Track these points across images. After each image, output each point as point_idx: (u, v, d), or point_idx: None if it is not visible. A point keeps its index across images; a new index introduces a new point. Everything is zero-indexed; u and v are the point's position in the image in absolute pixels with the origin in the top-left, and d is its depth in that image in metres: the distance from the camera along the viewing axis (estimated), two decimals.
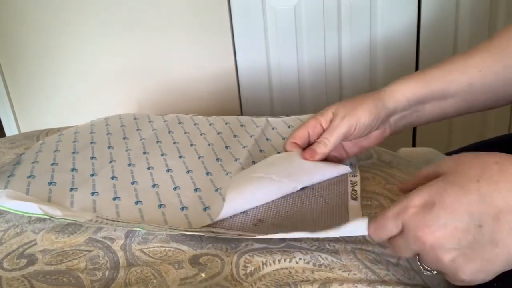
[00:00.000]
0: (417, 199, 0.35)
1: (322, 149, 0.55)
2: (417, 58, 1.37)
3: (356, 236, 0.48)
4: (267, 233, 0.44)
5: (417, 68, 1.38)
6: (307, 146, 0.58)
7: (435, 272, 0.37)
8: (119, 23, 1.35)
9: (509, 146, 0.68)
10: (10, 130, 1.48)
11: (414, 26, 1.34)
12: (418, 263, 0.38)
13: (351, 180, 0.54)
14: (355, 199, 0.51)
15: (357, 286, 0.41)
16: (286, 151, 0.58)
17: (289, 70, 1.39)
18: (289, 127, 0.72)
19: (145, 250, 0.47)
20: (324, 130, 0.57)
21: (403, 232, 0.36)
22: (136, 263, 0.45)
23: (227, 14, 1.34)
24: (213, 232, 0.46)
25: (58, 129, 0.81)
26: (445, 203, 0.34)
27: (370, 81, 1.38)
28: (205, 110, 1.41)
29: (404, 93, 0.55)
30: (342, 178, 0.55)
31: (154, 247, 0.47)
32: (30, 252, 0.47)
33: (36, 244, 0.49)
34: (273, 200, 0.51)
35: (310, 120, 0.57)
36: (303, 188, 0.53)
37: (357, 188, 0.53)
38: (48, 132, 0.80)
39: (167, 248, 0.47)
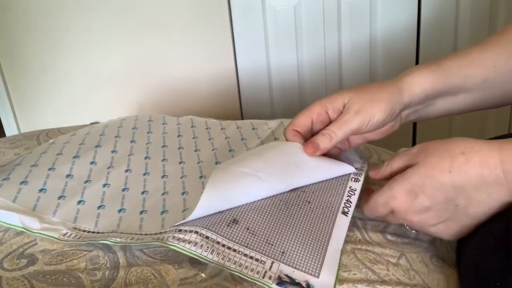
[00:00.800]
0: (401, 190, 0.42)
1: (326, 143, 0.50)
2: (417, 58, 1.37)
3: (356, 236, 0.48)
4: (238, 241, 0.43)
5: None
6: (310, 136, 0.53)
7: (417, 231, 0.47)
8: (119, 23, 1.35)
9: None
10: (10, 130, 1.48)
11: (414, 26, 1.34)
12: (406, 227, 0.46)
13: (350, 187, 0.50)
14: (346, 213, 0.47)
15: (357, 286, 0.41)
16: (286, 139, 0.53)
17: (289, 70, 1.39)
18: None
19: (145, 250, 0.47)
20: (330, 120, 0.52)
21: (394, 214, 0.44)
22: (136, 263, 0.45)
23: (227, 14, 1.34)
24: (164, 243, 0.43)
25: (59, 129, 0.81)
26: (427, 194, 0.41)
27: (370, 81, 1.38)
28: (205, 110, 1.41)
29: (423, 86, 0.51)
30: (340, 183, 0.51)
31: (154, 247, 0.47)
32: (30, 252, 0.47)
33: (36, 244, 0.49)
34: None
35: (315, 106, 0.52)
36: (293, 189, 0.50)
37: (353, 199, 0.49)
38: (48, 132, 0.80)
39: (167, 248, 0.47)
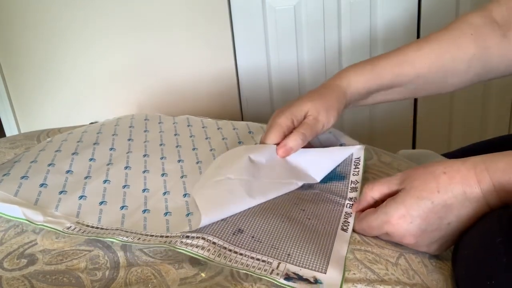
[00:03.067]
0: (396, 215, 0.43)
1: (298, 142, 0.56)
2: None
3: (355, 237, 0.48)
4: (244, 246, 0.44)
5: None
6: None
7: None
8: (119, 23, 1.35)
9: (509, 146, 0.69)
10: (10, 130, 1.48)
11: (414, 25, 1.34)
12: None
13: (345, 212, 0.51)
14: (345, 230, 0.48)
15: (356, 286, 0.41)
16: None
17: (289, 70, 1.39)
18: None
19: (145, 250, 0.47)
20: (294, 128, 0.57)
21: (389, 236, 0.45)
22: (136, 263, 0.45)
23: (227, 14, 1.34)
24: (175, 247, 0.45)
25: (59, 130, 0.81)
26: (421, 216, 0.43)
27: None
28: (205, 110, 1.41)
29: (357, 87, 0.60)
30: (336, 209, 0.52)
31: (155, 247, 0.47)
32: (30, 252, 0.47)
33: (36, 244, 0.49)
34: (256, 210, 0.50)
35: (282, 119, 0.57)
36: (293, 207, 0.51)
37: (351, 219, 0.50)
38: (48, 133, 0.80)
39: (167, 248, 0.47)
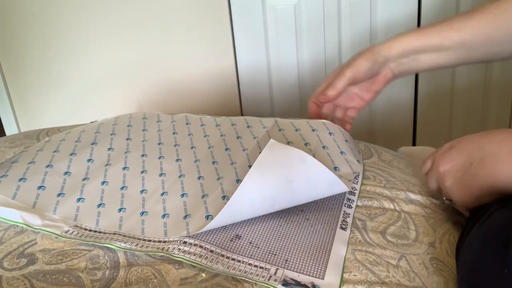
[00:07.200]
0: (445, 145, 0.52)
1: (331, 91, 0.67)
2: None
3: (356, 237, 0.48)
4: (241, 253, 0.44)
5: None
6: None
7: (451, 200, 0.52)
8: (118, 23, 1.35)
9: None
10: (10, 130, 1.48)
11: (414, 26, 1.34)
12: (444, 197, 0.54)
13: (344, 211, 0.51)
14: (344, 228, 0.48)
15: None
16: (310, 110, 0.71)
17: (289, 69, 1.39)
18: (296, 130, 0.67)
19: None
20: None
21: (433, 166, 0.52)
22: (136, 262, 0.45)
23: (227, 14, 1.34)
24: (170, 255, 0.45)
25: (58, 129, 0.81)
26: (458, 147, 0.49)
27: None
28: (205, 110, 1.41)
29: (399, 43, 0.65)
30: (335, 208, 0.52)
31: (152, 252, 0.47)
32: (30, 252, 0.47)
33: (36, 243, 0.49)
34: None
35: (323, 82, 0.70)
36: (291, 208, 0.51)
37: (349, 219, 0.50)
38: (48, 132, 0.80)
39: (165, 255, 0.47)
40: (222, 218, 0.47)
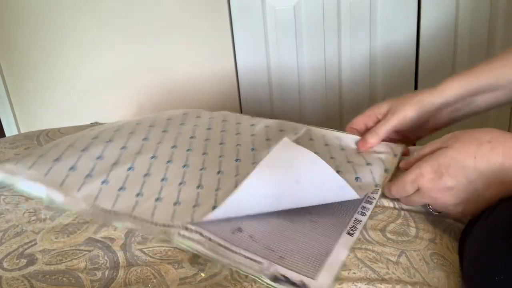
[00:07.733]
0: (429, 168, 0.46)
1: (374, 139, 0.63)
2: (417, 56, 1.37)
3: (357, 235, 0.48)
4: (239, 245, 0.45)
5: (417, 66, 1.38)
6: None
7: (440, 212, 0.51)
8: (119, 23, 1.35)
9: None
10: (10, 130, 1.48)
11: (414, 25, 1.34)
12: (429, 208, 0.51)
13: (355, 218, 0.50)
14: (351, 234, 0.48)
15: (357, 285, 0.41)
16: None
17: (289, 70, 1.39)
18: (326, 145, 0.67)
19: (144, 249, 0.47)
20: (379, 121, 0.64)
21: (420, 192, 0.48)
22: (136, 262, 0.45)
23: (227, 14, 1.34)
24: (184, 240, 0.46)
25: (59, 129, 0.81)
26: (451, 174, 0.45)
27: (370, 80, 1.38)
28: (205, 110, 1.41)
29: (452, 88, 0.61)
30: (347, 214, 0.51)
31: (153, 246, 0.47)
32: (30, 252, 0.47)
33: (36, 244, 0.49)
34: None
35: (367, 111, 0.67)
36: (299, 208, 0.50)
37: (359, 226, 0.49)
38: (48, 133, 0.80)
39: (166, 248, 0.47)
40: (225, 208, 0.47)
